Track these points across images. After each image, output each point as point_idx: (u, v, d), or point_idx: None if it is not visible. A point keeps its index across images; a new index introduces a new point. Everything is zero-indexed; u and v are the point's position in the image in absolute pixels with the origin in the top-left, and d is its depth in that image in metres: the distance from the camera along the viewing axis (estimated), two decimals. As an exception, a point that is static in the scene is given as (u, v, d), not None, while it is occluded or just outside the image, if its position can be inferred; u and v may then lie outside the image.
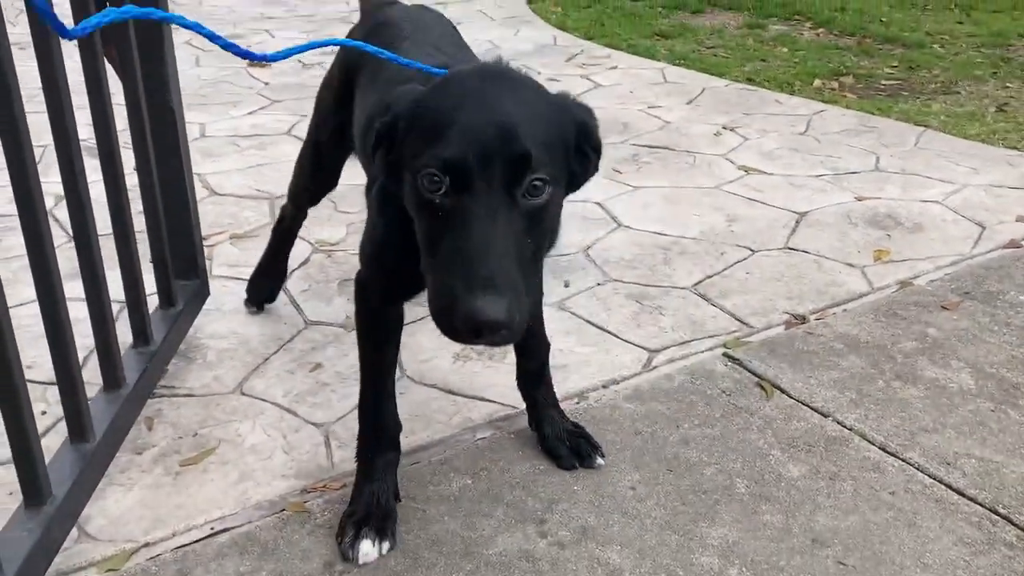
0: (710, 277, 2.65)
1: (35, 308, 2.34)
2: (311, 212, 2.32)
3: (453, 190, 1.19)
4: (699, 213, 3.09)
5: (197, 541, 1.66)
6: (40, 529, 1.54)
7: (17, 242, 2.66)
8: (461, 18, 5.99)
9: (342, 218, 3.00)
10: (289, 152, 3.64)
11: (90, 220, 1.78)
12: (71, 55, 1.68)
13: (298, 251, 2.78)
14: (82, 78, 1.81)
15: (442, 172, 1.18)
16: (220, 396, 2.08)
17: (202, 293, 2.40)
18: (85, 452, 1.73)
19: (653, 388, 2.09)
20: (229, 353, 2.25)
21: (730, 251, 2.81)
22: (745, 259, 2.76)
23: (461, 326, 1.15)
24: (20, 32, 1.54)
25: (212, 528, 1.69)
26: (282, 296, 2.53)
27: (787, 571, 1.57)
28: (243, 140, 3.80)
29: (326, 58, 5.13)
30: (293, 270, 2.66)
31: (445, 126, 1.20)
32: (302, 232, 2.91)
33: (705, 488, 1.78)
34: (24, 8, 1.55)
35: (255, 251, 2.78)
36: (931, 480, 1.79)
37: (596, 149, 1.36)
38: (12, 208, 2.73)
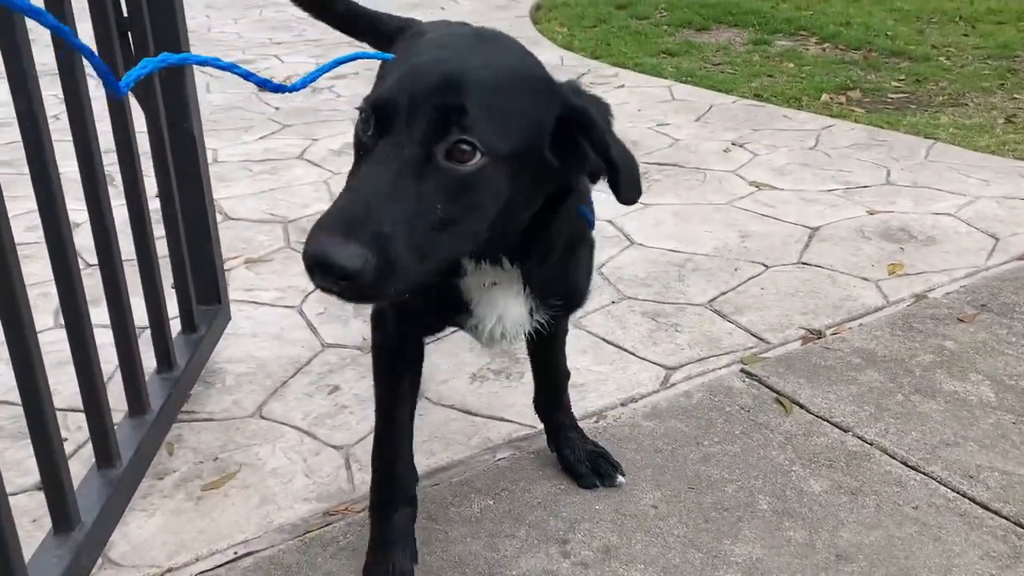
0: (725, 293, 2.65)
1: (52, 335, 2.36)
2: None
3: (376, 132, 1.09)
4: (711, 229, 3.09)
5: (221, 566, 1.66)
6: (70, 556, 1.55)
7: (32, 270, 2.68)
8: (468, 40, 6.03)
9: (356, 240, 3.01)
10: (301, 176, 3.66)
11: (114, 246, 1.79)
12: (94, 82, 1.71)
13: (313, 274, 2.79)
14: (102, 103, 1.83)
15: (370, 111, 1.09)
16: (240, 420, 2.09)
17: (223, 318, 2.41)
18: (112, 478, 1.75)
19: (671, 405, 2.09)
20: (247, 377, 2.26)
21: (744, 267, 2.81)
22: (759, 275, 2.76)
23: (304, 259, 1.03)
24: (42, 61, 1.56)
25: (235, 552, 1.69)
26: (298, 319, 2.54)
27: (813, 588, 1.57)
28: (255, 165, 3.83)
29: (336, 82, 5.17)
30: (308, 293, 2.67)
31: (396, 69, 1.12)
32: (316, 255, 2.93)
33: (727, 505, 1.77)
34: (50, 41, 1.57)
35: (270, 275, 2.80)
36: (954, 494, 1.79)
37: (600, 147, 1.15)
38: (27, 236, 2.76)
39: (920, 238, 2.98)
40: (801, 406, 2.08)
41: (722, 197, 3.39)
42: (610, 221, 3.15)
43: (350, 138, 2.60)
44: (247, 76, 1.36)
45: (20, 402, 2.10)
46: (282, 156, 3.93)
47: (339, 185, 3.52)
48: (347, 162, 3.85)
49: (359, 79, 5.23)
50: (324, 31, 6.73)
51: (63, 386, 2.11)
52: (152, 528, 1.76)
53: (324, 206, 3.30)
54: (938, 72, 5.18)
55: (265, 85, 1.37)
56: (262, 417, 2.10)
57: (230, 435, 2.04)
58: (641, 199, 3.60)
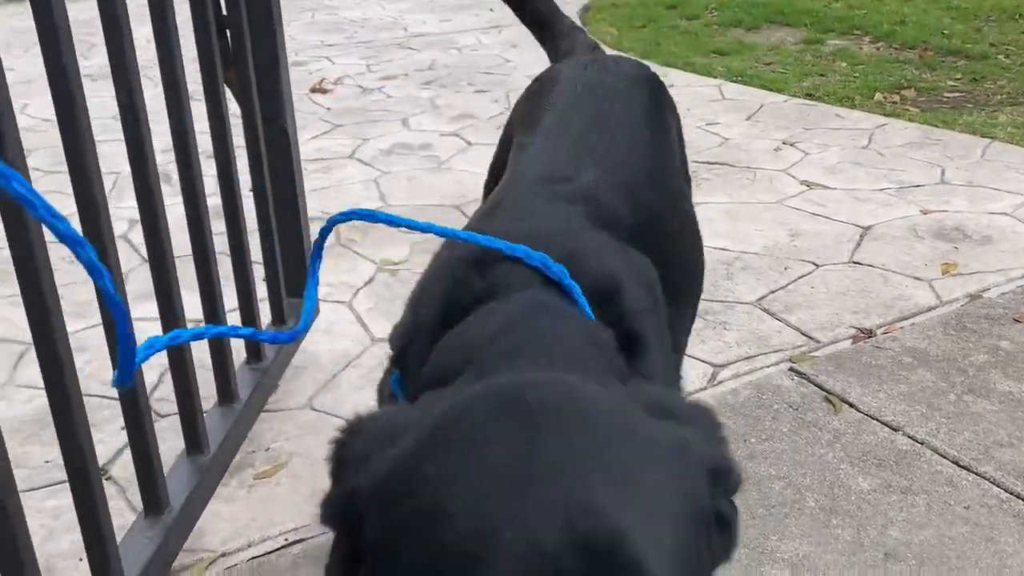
0: (774, 292, 2.63)
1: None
2: (374, 232, 2.35)
3: None
4: (761, 228, 3.07)
5: (272, 552, 1.70)
6: (160, 538, 1.60)
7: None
8: (515, 41, 6.07)
9: (406, 238, 3.05)
10: (352, 175, 3.72)
11: (208, 238, 1.84)
12: (194, 79, 1.77)
13: (363, 270, 2.84)
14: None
15: None
16: (291, 411, 2.13)
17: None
18: (200, 464, 1.80)
19: (719, 403, 2.09)
20: (299, 370, 2.30)
21: (794, 266, 2.79)
22: (809, 273, 2.73)
23: None
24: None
25: (286, 539, 1.73)
26: (349, 314, 2.58)
27: (860, 585, 1.56)
28: (308, 164, 3.89)
29: (387, 83, 5.23)
30: (359, 289, 2.72)
31: (469, 561, 0.54)
32: (367, 252, 2.97)
33: (774, 502, 1.76)
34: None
35: (321, 272, 2.84)
36: (1008, 495, 1.76)
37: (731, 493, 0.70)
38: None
39: (975, 237, 2.93)
40: (850, 404, 2.06)
41: (772, 196, 3.36)
42: (658, 220, 3.14)
43: (400, 138, 2.60)
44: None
45: (97, 392, 2.19)
46: (333, 155, 3.99)
47: (388, 185, 3.57)
48: (396, 161, 3.89)
49: (408, 80, 5.29)
50: (375, 33, 6.83)
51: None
52: (207, 515, 1.81)
53: (373, 205, 3.35)
54: (996, 71, 5.07)
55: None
56: (312, 409, 2.14)
57: (281, 426, 2.08)
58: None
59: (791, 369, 2.21)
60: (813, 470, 1.85)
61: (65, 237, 0.65)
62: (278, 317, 2.27)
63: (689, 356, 2.30)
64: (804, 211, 3.21)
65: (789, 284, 2.67)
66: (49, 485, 1.89)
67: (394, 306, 2.62)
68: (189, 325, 1.78)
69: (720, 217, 3.17)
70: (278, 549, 1.70)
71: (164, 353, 1.75)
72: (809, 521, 1.71)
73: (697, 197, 3.31)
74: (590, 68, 1.43)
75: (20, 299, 2.60)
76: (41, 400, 2.16)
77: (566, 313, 0.85)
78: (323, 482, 1.87)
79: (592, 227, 1.03)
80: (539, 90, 1.43)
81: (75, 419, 1.39)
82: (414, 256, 2.93)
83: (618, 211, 1.09)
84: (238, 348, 2.06)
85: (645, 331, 0.90)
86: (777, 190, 3.42)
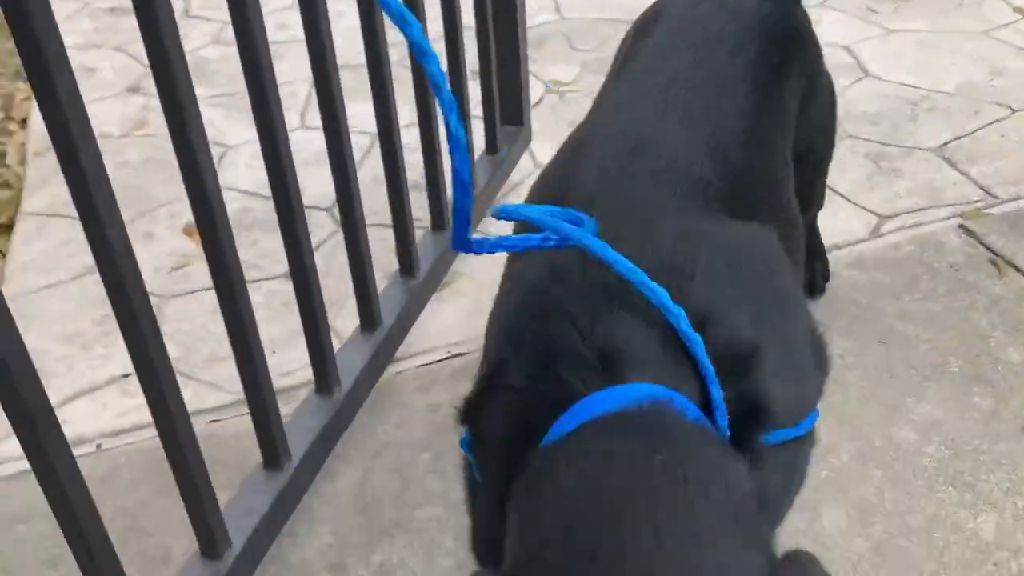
0: (959, 138, 2.49)
1: (300, 134, 2.58)
2: (544, 48, 2.30)
3: None
4: (958, 63, 2.86)
5: (436, 362, 1.90)
6: (371, 351, 1.80)
7: (282, 68, 2.92)
8: None
9: (576, 56, 3.03)
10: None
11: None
12: None
13: (530, 91, 2.87)
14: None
15: None
16: (458, 232, 2.28)
17: (524, 139, 2.48)
18: (411, 287, 1.96)
19: (877, 257, 2.07)
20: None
21: (987, 109, 2.61)
22: (1003, 119, 2.56)
23: None
24: None
25: (448, 352, 1.92)
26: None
27: (988, 455, 1.60)
28: None
29: None
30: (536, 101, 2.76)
31: None
32: (535, 70, 2.98)
33: (916, 364, 1.79)
34: None
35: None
36: None
37: None
38: (279, 34, 2.96)
39: None
40: (1017, 269, 2.00)
41: (978, 24, 3.09)
42: (846, 48, 2.98)
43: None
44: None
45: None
46: None
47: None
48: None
49: None
50: None
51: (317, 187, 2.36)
52: (380, 322, 2.01)
53: (548, 17, 3.30)
54: None
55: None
56: (478, 232, 2.28)
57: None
58: (885, 23, 3.31)
59: (960, 226, 2.15)
60: (963, 335, 1.85)
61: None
62: (492, 145, 2.34)
63: (854, 204, 2.26)
64: (1012, 44, 2.94)
65: (977, 130, 2.52)
66: (249, 282, 2.14)
67: (559, 129, 2.66)
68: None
69: (911, 49, 2.96)
70: (441, 360, 1.90)
71: (380, 177, 1.87)
72: (949, 387, 1.73)
73: (893, 23, 3.11)
74: (703, 2, 1.24)
75: (221, 100, 2.81)
76: (239, 203, 2.41)
77: (693, 464, 0.73)
78: (484, 305, 2.00)
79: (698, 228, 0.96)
80: (641, 26, 1.28)
81: (296, 224, 1.52)
82: (585, 76, 2.92)
83: (709, 181, 1.01)
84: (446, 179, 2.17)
85: (774, 402, 0.84)
86: (985, 17, 3.13)
